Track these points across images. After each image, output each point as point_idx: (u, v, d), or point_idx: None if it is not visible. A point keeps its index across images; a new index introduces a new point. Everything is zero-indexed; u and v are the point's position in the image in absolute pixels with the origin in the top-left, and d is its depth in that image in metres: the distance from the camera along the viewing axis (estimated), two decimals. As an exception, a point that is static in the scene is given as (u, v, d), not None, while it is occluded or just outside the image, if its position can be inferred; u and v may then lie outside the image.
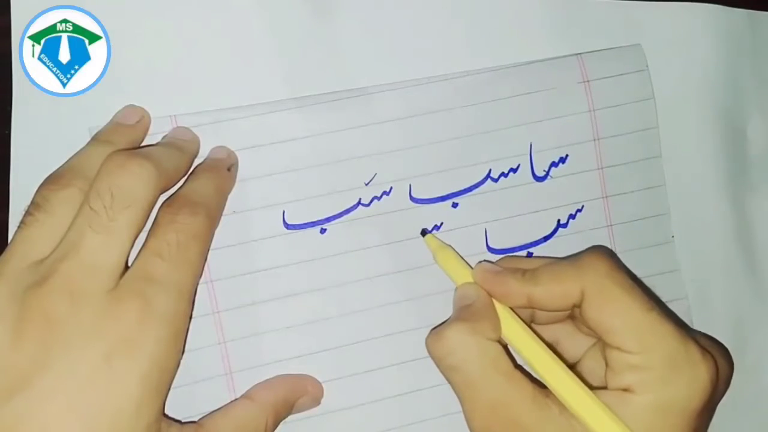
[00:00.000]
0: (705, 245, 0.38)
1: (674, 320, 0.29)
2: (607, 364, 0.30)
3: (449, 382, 0.30)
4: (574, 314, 0.32)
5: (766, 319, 0.39)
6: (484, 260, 0.35)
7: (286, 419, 0.33)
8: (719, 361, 0.29)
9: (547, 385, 0.30)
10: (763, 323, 0.39)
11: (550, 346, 0.31)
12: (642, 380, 0.28)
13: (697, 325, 0.38)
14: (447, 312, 0.35)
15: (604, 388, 0.29)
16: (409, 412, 0.35)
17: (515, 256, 0.36)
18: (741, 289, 0.39)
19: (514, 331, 0.31)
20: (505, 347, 0.31)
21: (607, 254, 0.31)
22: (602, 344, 0.30)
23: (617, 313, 0.29)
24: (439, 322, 0.35)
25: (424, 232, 0.35)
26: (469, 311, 0.31)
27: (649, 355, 0.28)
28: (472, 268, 0.33)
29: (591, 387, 0.29)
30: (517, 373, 0.29)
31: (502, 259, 0.35)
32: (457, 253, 0.34)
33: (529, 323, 0.33)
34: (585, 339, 0.33)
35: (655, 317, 0.29)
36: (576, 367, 0.33)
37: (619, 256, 0.37)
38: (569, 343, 0.33)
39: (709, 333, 0.38)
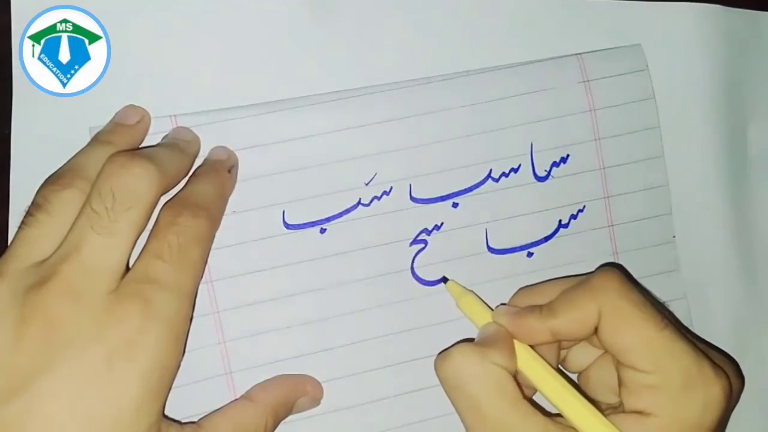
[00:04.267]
0: (704, 245, 0.38)
1: (687, 337, 0.29)
2: (622, 384, 0.30)
3: (454, 405, 0.30)
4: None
5: (765, 319, 0.39)
6: (501, 304, 0.34)
7: (286, 419, 0.33)
8: (731, 377, 0.30)
9: (566, 418, 0.29)
10: (762, 324, 0.39)
11: (566, 377, 0.31)
12: (658, 400, 0.28)
13: (696, 326, 0.38)
14: (447, 312, 0.35)
15: (618, 409, 0.30)
16: (409, 412, 0.35)
17: (528, 286, 0.35)
18: (741, 290, 0.39)
19: (531, 366, 0.31)
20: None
21: (618, 273, 0.31)
22: (617, 364, 0.30)
23: (631, 332, 0.29)
24: (439, 322, 0.35)
25: (444, 280, 0.35)
26: (481, 339, 0.31)
27: (664, 375, 0.28)
28: (492, 310, 0.33)
29: (605, 410, 0.29)
30: (525, 404, 0.29)
31: (517, 294, 0.35)
32: (479, 298, 0.34)
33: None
34: (592, 350, 0.33)
35: (669, 336, 0.29)
36: (580, 377, 0.33)
37: (620, 256, 0.37)
38: (576, 354, 0.33)
39: (709, 333, 0.38)
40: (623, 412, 0.29)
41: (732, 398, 0.29)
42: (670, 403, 0.28)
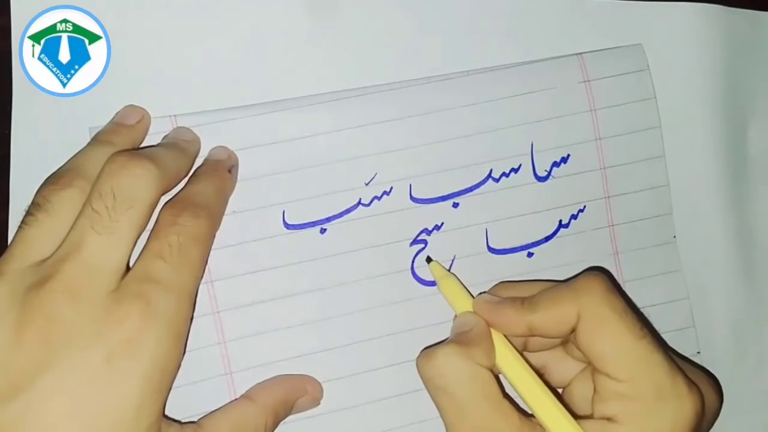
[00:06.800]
0: (704, 245, 0.38)
1: (665, 350, 0.30)
2: (595, 390, 0.30)
3: (436, 404, 0.30)
4: (566, 339, 0.32)
5: (766, 319, 0.39)
6: (483, 292, 0.35)
7: (286, 419, 0.33)
8: (707, 394, 0.30)
9: (535, 415, 0.30)
10: (763, 323, 0.39)
11: (540, 375, 0.31)
12: (627, 409, 0.28)
13: (697, 325, 0.38)
14: (447, 312, 0.35)
15: (591, 416, 0.30)
16: (409, 412, 0.35)
17: (511, 281, 0.36)
18: (741, 290, 0.39)
19: (506, 359, 0.31)
20: (497, 377, 0.31)
21: (604, 277, 0.31)
22: (592, 369, 0.30)
23: (609, 339, 0.29)
24: (439, 322, 0.35)
25: (429, 260, 0.35)
26: (464, 337, 0.31)
27: (636, 385, 0.29)
28: (473, 297, 0.34)
29: (577, 416, 0.30)
30: (505, 403, 0.29)
31: (498, 285, 0.35)
32: (460, 283, 0.34)
33: (521, 350, 0.33)
34: (574, 364, 0.33)
35: (646, 346, 0.29)
36: (564, 393, 0.33)
37: (621, 256, 0.37)
38: (557, 369, 0.33)
39: (709, 333, 0.38)
40: (592, 417, 0.29)
41: (705, 416, 0.29)
42: (640, 413, 0.28)
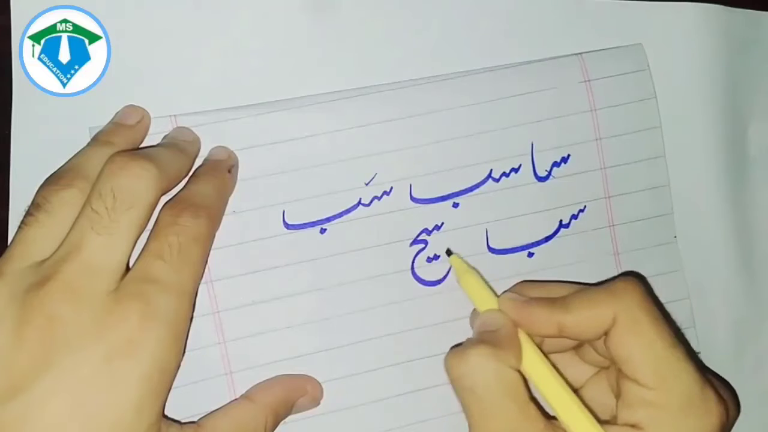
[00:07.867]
0: (704, 245, 0.38)
1: (695, 360, 0.29)
2: (620, 395, 0.29)
3: (462, 404, 0.30)
4: (581, 342, 0.32)
5: (765, 318, 0.39)
6: (507, 291, 0.34)
7: (286, 419, 0.33)
8: (729, 406, 0.29)
9: (559, 419, 0.29)
10: (763, 323, 0.39)
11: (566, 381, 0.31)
12: (654, 417, 0.28)
13: (697, 325, 0.38)
14: (447, 312, 0.35)
15: (611, 422, 0.29)
16: (409, 412, 0.35)
17: (532, 280, 0.35)
18: (741, 290, 0.39)
19: (532, 360, 0.30)
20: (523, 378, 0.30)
21: (640, 283, 0.30)
22: (618, 374, 0.30)
23: (642, 344, 0.29)
24: (439, 322, 0.35)
25: (449, 252, 0.35)
26: (493, 336, 0.30)
27: (666, 393, 0.28)
28: (497, 295, 0.33)
29: (598, 420, 0.29)
30: (532, 406, 0.29)
31: (521, 284, 0.35)
32: (483, 278, 0.34)
33: None
34: (586, 368, 0.33)
35: (678, 355, 0.29)
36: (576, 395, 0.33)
37: (621, 256, 0.37)
38: (568, 372, 0.33)
39: (709, 333, 0.38)
40: (616, 424, 0.29)
41: (728, 428, 0.29)
42: (667, 422, 0.28)
